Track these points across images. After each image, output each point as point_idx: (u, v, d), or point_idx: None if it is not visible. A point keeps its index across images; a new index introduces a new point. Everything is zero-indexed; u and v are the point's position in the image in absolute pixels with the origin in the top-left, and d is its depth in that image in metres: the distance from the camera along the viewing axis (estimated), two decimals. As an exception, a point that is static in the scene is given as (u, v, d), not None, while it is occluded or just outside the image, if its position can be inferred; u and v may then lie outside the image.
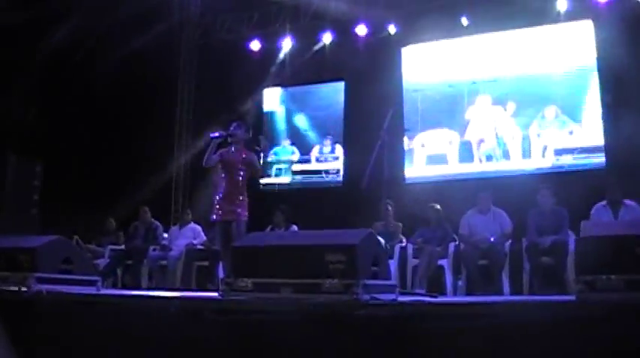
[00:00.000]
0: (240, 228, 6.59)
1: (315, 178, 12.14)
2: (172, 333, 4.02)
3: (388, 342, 3.36)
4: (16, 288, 5.03)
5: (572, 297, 3.37)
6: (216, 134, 6.84)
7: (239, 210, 6.71)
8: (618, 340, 2.92)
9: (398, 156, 10.99)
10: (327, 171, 12.06)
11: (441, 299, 4.94)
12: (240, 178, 6.84)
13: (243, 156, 6.89)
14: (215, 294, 4.36)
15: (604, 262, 3.19)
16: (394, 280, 7.62)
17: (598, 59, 9.96)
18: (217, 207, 6.78)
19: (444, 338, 3.21)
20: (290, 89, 12.65)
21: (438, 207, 8.45)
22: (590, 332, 2.97)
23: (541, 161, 10.17)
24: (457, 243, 8.03)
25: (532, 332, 3.09)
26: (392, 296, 3.95)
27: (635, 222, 5.78)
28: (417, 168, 11.07)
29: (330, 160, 12.05)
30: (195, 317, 4.04)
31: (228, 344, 3.77)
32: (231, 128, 6.91)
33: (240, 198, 6.79)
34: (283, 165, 12.37)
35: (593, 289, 3.15)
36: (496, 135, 10.55)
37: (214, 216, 6.80)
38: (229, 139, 6.88)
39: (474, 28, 10.78)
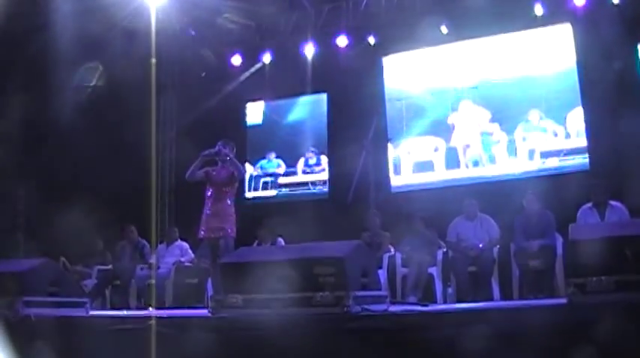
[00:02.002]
0: (228, 244, 6.60)
1: (301, 190, 12.10)
2: (164, 352, 3.99)
3: (381, 353, 3.35)
4: (4, 313, 4.99)
5: (563, 300, 3.36)
6: (205, 153, 6.91)
7: (226, 227, 6.74)
8: (611, 341, 2.91)
9: (383, 166, 11.01)
10: (313, 183, 12.03)
11: (431, 307, 4.93)
12: (227, 195, 6.90)
13: (229, 173, 6.95)
14: (205, 311, 4.33)
15: (594, 264, 3.20)
16: (384, 290, 7.70)
17: (578, 62, 10.00)
18: (205, 223, 6.79)
19: (437, 346, 3.20)
20: (273, 102, 12.63)
21: (422, 215, 8.46)
22: (583, 335, 2.97)
23: (528, 164, 10.18)
24: (445, 250, 8.02)
25: (525, 337, 3.09)
26: (383, 307, 3.94)
27: (622, 223, 5.81)
28: (404, 176, 11.05)
29: (316, 172, 12.03)
30: (185, 335, 4.02)
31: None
32: (218, 147, 6.93)
33: (228, 214, 6.82)
34: (269, 178, 12.33)
35: (583, 291, 3.15)
36: (481, 140, 10.55)
37: (202, 233, 6.82)
38: (217, 158, 6.91)
39: (454, 36, 10.80)
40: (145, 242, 9.69)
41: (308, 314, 3.61)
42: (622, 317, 2.93)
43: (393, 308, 4.06)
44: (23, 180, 10.91)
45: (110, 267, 9.64)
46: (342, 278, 3.64)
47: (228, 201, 6.90)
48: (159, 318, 4.51)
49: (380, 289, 4.20)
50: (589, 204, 7.35)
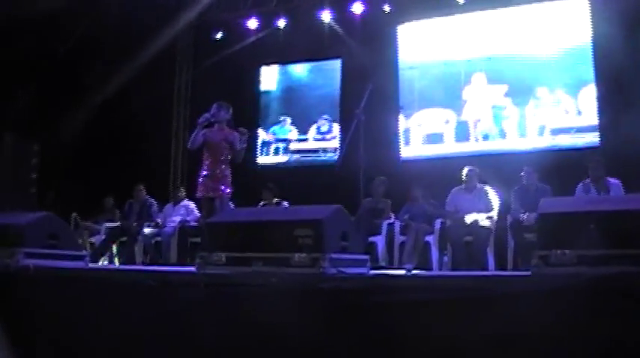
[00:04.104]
0: (223, 203, 6.76)
1: (312, 157, 12.20)
2: (154, 305, 4.14)
3: (353, 315, 3.45)
4: (5, 263, 5.17)
5: (528, 272, 3.45)
6: (201, 119, 7.01)
7: (222, 187, 6.92)
8: (571, 312, 3.00)
9: (393, 135, 11.07)
10: (324, 150, 12.11)
11: (409, 273, 5.03)
12: (222, 156, 7.04)
13: (225, 135, 7.07)
14: (192, 268, 4.46)
15: (560, 238, 3.27)
16: (382, 257, 7.83)
17: (593, 37, 9.94)
18: (201, 183, 6.98)
19: (404, 310, 3.30)
20: (287, 67, 12.69)
21: (425, 184, 8.53)
22: (545, 305, 3.05)
23: (538, 140, 10.18)
24: (443, 219, 8.10)
25: (492, 304, 3.17)
26: (362, 270, 4.05)
27: (591, 199, 5.86)
28: (414, 147, 11.10)
29: (327, 139, 12.10)
30: (173, 289, 4.16)
31: (204, 315, 3.88)
32: (213, 110, 7.07)
33: (223, 175, 6.99)
34: (281, 144, 12.43)
35: (547, 264, 3.23)
36: (493, 114, 10.56)
37: (198, 193, 6.99)
38: (212, 120, 7.03)
39: (470, 6, 10.78)
40: (152, 200, 9.88)
41: (285, 273, 3.72)
42: (582, 289, 3.01)
43: (373, 273, 4.17)
44: (38, 135, 11.12)
45: (118, 223, 9.83)
46: (319, 241, 3.75)
47: (224, 163, 7.04)
48: (148, 272, 4.67)
49: (362, 254, 4.27)
50: (587, 180, 7.40)
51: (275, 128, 12.50)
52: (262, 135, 12.47)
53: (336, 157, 11.83)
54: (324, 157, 12.06)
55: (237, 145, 7.02)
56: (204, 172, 7.02)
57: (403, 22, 11.49)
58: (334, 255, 3.77)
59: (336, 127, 11.93)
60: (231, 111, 7.19)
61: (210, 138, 7.05)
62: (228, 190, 6.96)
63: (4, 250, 5.32)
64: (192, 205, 9.63)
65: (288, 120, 12.47)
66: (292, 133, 12.36)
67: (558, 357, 2.97)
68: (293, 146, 12.36)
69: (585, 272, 3.13)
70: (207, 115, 7.02)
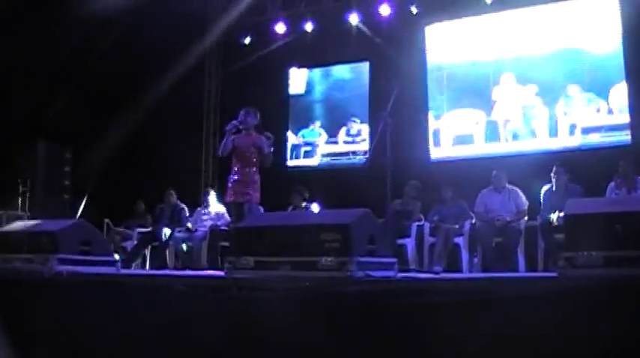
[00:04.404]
0: (251, 208, 6.83)
1: (343, 160, 12.22)
2: (183, 309, 4.21)
3: (381, 317, 3.48)
4: (39, 269, 5.28)
5: (554, 273, 3.45)
6: (229, 126, 7.12)
7: (251, 192, 7.00)
8: (597, 313, 3.00)
9: (423, 136, 11.06)
10: (354, 153, 12.12)
11: (438, 276, 5.03)
12: (251, 161, 7.11)
13: (253, 140, 7.14)
14: (222, 273, 4.52)
15: (586, 239, 3.26)
16: (411, 259, 7.83)
17: (623, 35, 9.82)
18: (230, 188, 7.08)
19: (432, 312, 3.32)
20: (316, 71, 12.73)
21: (455, 185, 8.50)
22: (571, 307, 3.05)
23: (568, 139, 10.08)
24: (473, 220, 8.08)
25: (518, 306, 3.18)
26: (390, 273, 4.07)
27: (618, 200, 5.82)
28: (444, 148, 11.08)
29: (357, 141, 12.12)
30: (203, 293, 4.23)
31: (233, 319, 3.93)
32: (241, 116, 7.14)
33: (252, 180, 7.07)
34: (310, 148, 12.48)
35: (573, 265, 3.22)
36: (522, 114, 10.49)
37: (228, 198, 7.12)
38: (240, 126, 7.11)
39: (497, 6, 10.71)
40: (183, 205, 9.98)
41: (313, 277, 3.76)
42: (608, 291, 3.01)
43: (401, 275, 4.19)
44: (71, 142, 11.29)
45: (150, 229, 9.94)
46: (346, 244, 3.77)
47: (253, 168, 7.11)
48: (177, 277, 4.74)
49: (391, 257, 4.29)
50: (617, 179, 7.35)
51: (304, 131, 12.55)
52: (292, 138, 12.52)
53: (365, 160, 11.84)
54: (354, 160, 12.08)
55: (265, 149, 7.07)
56: (234, 177, 7.11)
57: (431, 23, 11.45)
58: (361, 259, 3.80)
59: (366, 130, 11.93)
60: (258, 116, 7.26)
61: (238, 143, 7.13)
62: (257, 195, 7.04)
63: (38, 256, 5.44)
64: (222, 209, 9.70)
65: (317, 123, 12.51)
66: (322, 136, 12.39)
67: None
68: (322, 149, 12.38)
69: (612, 273, 3.12)
70: (235, 122, 7.11)
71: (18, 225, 6.07)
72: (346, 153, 12.21)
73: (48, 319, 4.76)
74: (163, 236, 9.40)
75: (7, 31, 9.55)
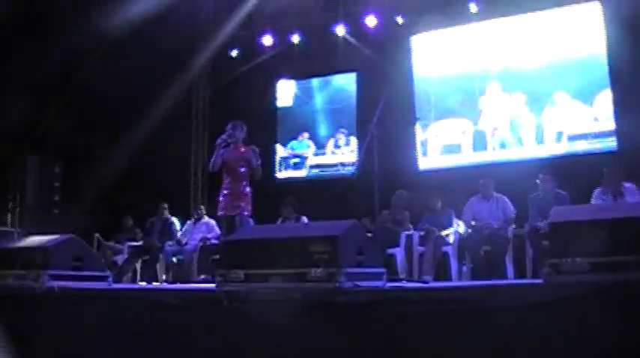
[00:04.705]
0: (243, 221, 6.86)
1: (331, 171, 12.28)
2: (176, 321, 4.25)
3: (369, 327, 3.52)
4: (31, 285, 5.31)
5: (540, 280, 3.50)
6: (219, 141, 7.16)
7: (242, 205, 7.03)
8: (584, 319, 3.05)
9: (410, 146, 11.11)
10: (342, 164, 12.18)
11: (427, 285, 5.08)
12: (241, 174, 7.14)
13: (242, 153, 7.17)
14: (213, 286, 4.55)
15: (571, 246, 3.32)
16: (401, 268, 7.87)
17: (607, 42, 9.91)
18: (221, 202, 7.12)
19: (420, 322, 3.36)
20: (303, 82, 12.80)
21: (442, 194, 8.56)
22: (558, 313, 3.10)
23: (555, 147, 10.16)
24: (461, 229, 8.13)
25: (505, 313, 3.23)
26: (379, 284, 4.11)
27: (602, 206, 5.88)
28: (432, 158, 11.14)
29: (345, 153, 12.18)
30: (194, 306, 4.26)
31: (224, 331, 3.97)
32: (228, 130, 7.18)
33: (243, 193, 7.10)
34: (299, 159, 12.52)
35: (559, 272, 3.28)
36: (509, 122, 10.56)
37: (219, 212, 7.15)
38: (229, 140, 7.16)
39: (483, 15, 10.79)
40: (172, 219, 10.01)
41: (302, 289, 3.80)
42: (594, 296, 3.06)
43: (388, 285, 4.23)
44: (60, 158, 11.31)
45: (140, 243, 9.96)
46: (335, 256, 3.82)
47: (244, 181, 7.14)
48: (168, 291, 4.77)
49: (380, 267, 4.34)
50: (603, 185, 7.42)
51: (293, 143, 12.60)
52: (280, 151, 12.57)
53: (354, 171, 11.90)
54: (342, 171, 12.13)
55: (254, 163, 7.11)
56: (225, 191, 7.14)
57: (416, 33, 11.54)
58: (350, 270, 3.85)
59: (354, 141, 11.99)
60: (245, 128, 7.29)
61: (227, 157, 7.16)
62: (248, 207, 7.07)
63: (30, 272, 5.47)
64: (212, 222, 9.74)
65: (306, 135, 12.56)
66: (310, 148, 12.45)
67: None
68: (311, 161, 12.44)
69: (598, 279, 3.18)
70: (224, 137, 7.14)
71: (33, 240, 6.11)
72: (334, 165, 12.27)
73: (41, 334, 4.79)
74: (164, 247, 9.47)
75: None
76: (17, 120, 10.29)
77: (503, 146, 10.59)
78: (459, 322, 3.26)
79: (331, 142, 12.30)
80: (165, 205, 10.13)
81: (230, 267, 4.25)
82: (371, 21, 11.64)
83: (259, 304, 3.88)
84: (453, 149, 10.99)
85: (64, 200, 11.31)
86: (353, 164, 11.89)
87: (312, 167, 12.43)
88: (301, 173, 12.45)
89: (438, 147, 11.12)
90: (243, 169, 7.13)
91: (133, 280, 9.62)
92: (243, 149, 7.20)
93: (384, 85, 10.68)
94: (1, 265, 5.81)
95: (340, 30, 11.93)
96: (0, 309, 5.16)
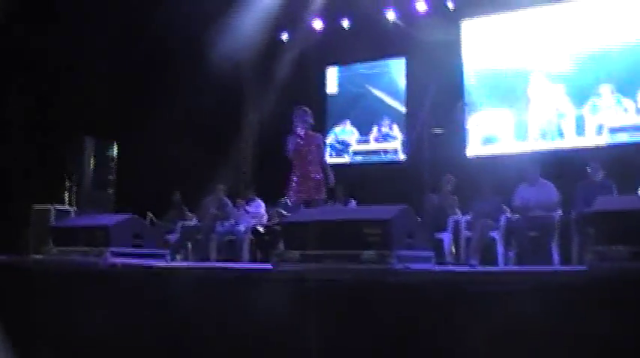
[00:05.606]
0: (312, 206, 6.94)
1: (374, 158, 12.45)
2: (231, 300, 4.47)
3: (419, 308, 3.70)
4: (94, 261, 5.61)
5: (584, 267, 3.64)
6: (298, 128, 7.21)
7: (312, 191, 7.09)
8: (625, 305, 3.18)
9: (459, 133, 11.17)
10: (385, 151, 12.31)
11: (474, 268, 5.24)
12: (310, 160, 7.18)
13: (311, 139, 7.26)
14: (269, 266, 4.76)
15: (615, 234, 3.45)
16: (448, 252, 8.03)
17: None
18: (292, 188, 7.18)
19: (467, 303, 3.53)
20: (349, 67, 12.93)
21: (492, 181, 8.65)
22: (600, 299, 3.24)
23: (596, 139, 10.13)
24: (508, 215, 8.22)
25: (549, 299, 3.37)
26: (427, 266, 4.30)
27: None
28: (476, 145, 11.22)
29: (388, 140, 12.31)
30: (251, 285, 4.48)
31: (279, 309, 4.17)
32: (301, 115, 7.27)
33: (312, 178, 7.13)
34: (343, 146, 12.68)
35: (602, 259, 3.41)
36: (551, 113, 10.55)
37: (290, 198, 7.21)
38: (302, 126, 7.24)
39: (532, 0, 10.75)
40: (227, 200, 10.25)
41: (355, 269, 4.00)
42: (635, 284, 3.20)
43: (438, 268, 4.42)
44: (115, 139, 11.63)
45: (192, 222, 10.24)
46: (387, 239, 4.01)
47: (312, 166, 7.15)
48: (225, 269, 5.01)
49: (429, 251, 4.52)
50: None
51: (337, 129, 12.75)
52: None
53: (397, 158, 12.03)
54: (384, 158, 12.28)
55: (322, 149, 7.23)
56: (294, 176, 7.19)
57: (467, 18, 11.56)
58: (401, 252, 4.03)
59: (396, 129, 12.12)
60: (310, 113, 7.38)
61: (297, 144, 7.21)
62: (320, 194, 7.12)
63: (93, 249, 5.77)
64: (262, 204, 9.97)
65: (348, 122, 12.71)
66: (354, 135, 12.60)
67: (613, 349, 3.15)
68: (354, 148, 12.62)
69: (637, 267, 3.31)
70: (300, 123, 7.22)
71: (94, 219, 6.43)
72: (377, 152, 12.41)
73: (103, 308, 5.07)
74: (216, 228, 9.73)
75: (56, 31, 9.89)
76: (74, 102, 10.62)
77: (544, 136, 10.58)
78: (504, 305, 3.42)
79: (375, 130, 12.43)
80: (222, 186, 10.38)
81: (286, 247, 4.48)
82: (421, 6, 11.67)
83: (313, 283, 4.07)
84: (495, 138, 11.06)
85: (119, 179, 11.62)
86: (395, 151, 12.01)
87: (355, 154, 12.58)
88: (344, 159, 12.60)
89: (481, 134, 11.18)
90: (310, 155, 7.17)
91: (185, 258, 9.89)
92: (311, 135, 7.29)
93: (433, 70, 10.77)
94: (66, 242, 6.13)
95: (390, 15, 11.97)
96: (65, 284, 5.47)
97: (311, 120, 7.33)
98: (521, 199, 8.19)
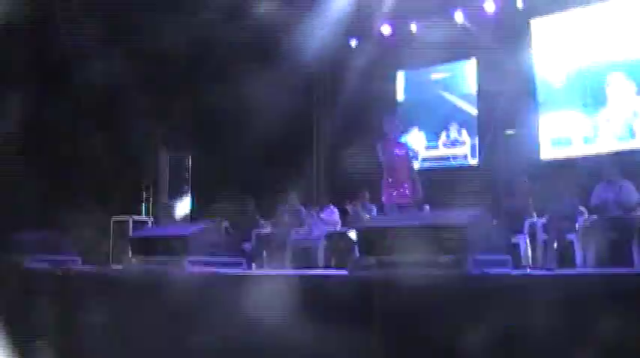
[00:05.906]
0: (403, 210, 7.06)
1: (443, 164, 12.35)
2: (308, 306, 4.50)
3: (496, 313, 3.67)
4: (172, 270, 5.75)
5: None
6: (395, 133, 7.52)
7: (406, 196, 7.23)
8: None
9: (532, 135, 10.99)
10: (454, 157, 12.20)
11: (551, 272, 5.14)
12: (404, 166, 7.36)
13: (402, 145, 7.53)
14: (343, 272, 4.79)
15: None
16: (524, 255, 7.91)
17: None
18: (384, 190, 7.30)
19: (543, 307, 3.48)
20: (418, 72, 12.87)
21: (568, 183, 8.49)
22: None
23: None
24: (586, 217, 8.05)
25: (631, 304, 3.29)
26: (504, 270, 4.25)
27: None
28: (545, 148, 11.00)
29: (457, 146, 12.20)
30: (326, 292, 4.51)
31: (355, 316, 4.19)
32: (390, 123, 7.49)
33: (405, 184, 7.27)
34: (412, 153, 12.60)
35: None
36: (628, 113, 10.23)
37: (385, 199, 7.31)
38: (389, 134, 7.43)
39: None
40: (301, 207, 10.31)
41: (433, 275, 3.98)
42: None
43: (514, 272, 4.36)
44: (189, 151, 11.87)
45: (267, 230, 10.34)
46: (463, 243, 3.98)
47: (402, 170, 7.31)
48: (302, 276, 5.05)
49: (506, 255, 4.48)
50: None
51: (405, 136, 12.66)
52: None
53: (466, 163, 11.91)
54: (453, 163, 12.17)
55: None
56: (386, 182, 7.31)
57: (537, 17, 11.32)
58: (478, 257, 4.00)
59: (465, 134, 12.00)
60: (395, 121, 7.69)
61: (393, 149, 7.37)
62: (407, 200, 7.23)
63: (171, 258, 5.92)
64: (336, 211, 10.01)
65: (416, 128, 12.66)
66: (422, 142, 12.53)
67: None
68: (423, 154, 12.56)
69: None
70: (392, 130, 7.45)
71: (172, 228, 6.60)
72: (446, 158, 12.32)
73: (184, 314, 5.17)
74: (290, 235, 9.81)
75: (134, 49, 10.15)
76: (149, 117, 10.88)
77: (618, 137, 10.25)
78: (583, 309, 3.35)
79: (443, 135, 12.35)
80: (294, 194, 10.46)
81: (362, 253, 4.49)
82: (490, 6, 11.52)
83: (389, 290, 4.07)
84: (565, 141, 10.78)
85: (193, 190, 11.85)
86: (465, 156, 11.89)
87: (424, 160, 12.50)
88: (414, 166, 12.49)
89: (549, 138, 10.96)
90: (399, 161, 7.31)
91: (260, 267, 9.99)
92: (397, 144, 7.45)
93: (504, 71, 10.63)
94: (145, 252, 6.30)
95: (459, 16, 11.88)
96: (144, 291, 5.61)
97: (401, 127, 7.43)
98: (600, 199, 8.01)
